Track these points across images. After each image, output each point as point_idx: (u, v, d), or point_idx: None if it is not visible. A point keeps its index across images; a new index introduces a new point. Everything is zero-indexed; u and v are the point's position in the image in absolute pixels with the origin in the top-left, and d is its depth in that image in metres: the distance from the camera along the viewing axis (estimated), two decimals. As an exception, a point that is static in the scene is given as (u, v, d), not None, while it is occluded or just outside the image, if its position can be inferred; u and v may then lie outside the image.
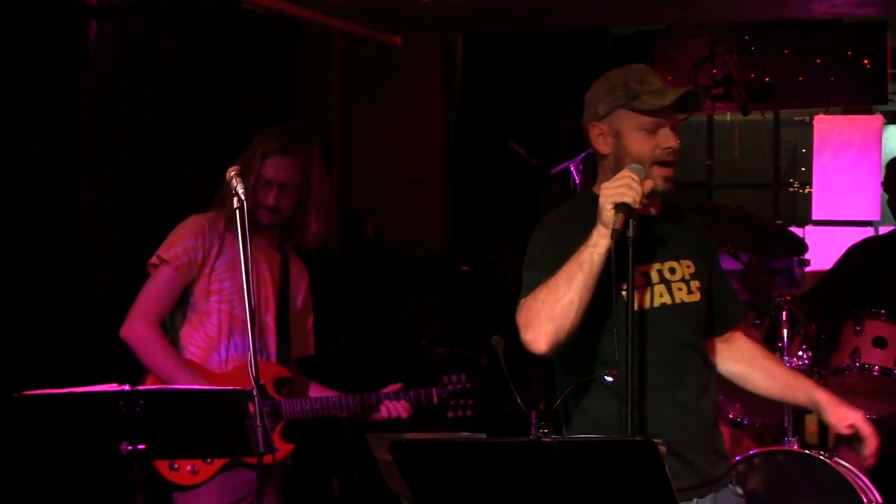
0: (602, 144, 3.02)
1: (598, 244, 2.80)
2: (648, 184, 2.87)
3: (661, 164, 2.95)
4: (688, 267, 3.07)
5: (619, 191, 2.78)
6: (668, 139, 2.95)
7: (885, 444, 5.13)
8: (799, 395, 3.28)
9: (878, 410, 4.97)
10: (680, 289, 3.05)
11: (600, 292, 2.84)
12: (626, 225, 2.77)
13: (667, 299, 3.02)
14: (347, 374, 5.94)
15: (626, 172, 2.83)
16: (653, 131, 2.95)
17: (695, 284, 3.07)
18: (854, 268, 5.32)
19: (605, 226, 2.79)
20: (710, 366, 3.18)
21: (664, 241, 3.06)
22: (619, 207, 2.77)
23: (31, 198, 4.93)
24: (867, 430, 3.17)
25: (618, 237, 2.76)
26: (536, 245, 3.04)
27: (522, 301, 2.93)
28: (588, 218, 2.89)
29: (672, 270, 3.06)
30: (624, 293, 2.89)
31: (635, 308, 2.90)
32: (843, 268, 5.39)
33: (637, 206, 2.79)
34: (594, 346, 2.97)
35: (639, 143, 2.95)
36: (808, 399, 3.25)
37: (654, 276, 3.03)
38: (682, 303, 3.04)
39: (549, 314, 2.83)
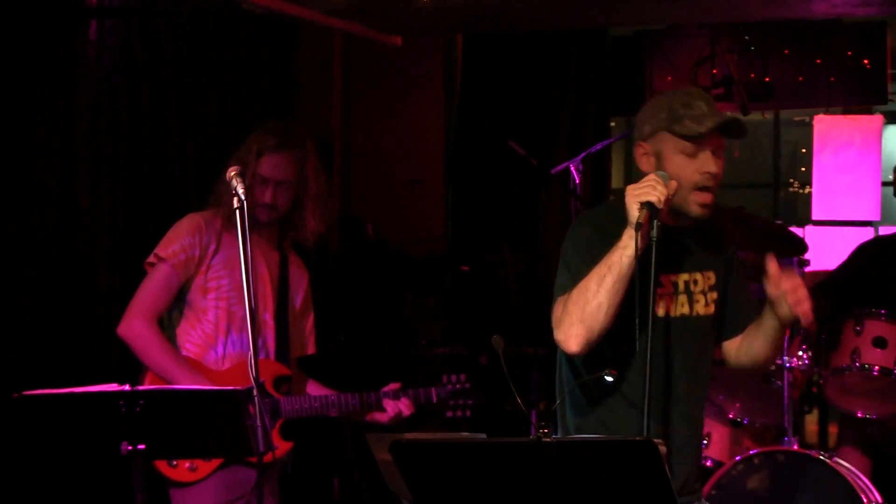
0: (645, 163, 3.07)
1: (628, 246, 2.83)
2: (673, 184, 2.91)
3: (700, 189, 2.98)
4: (708, 279, 3.13)
5: (643, 191, 2.84)
6: (707, 164, 2.98)
7: (885, 444, 5.17)
8: (770, 312, 3.10)
9: (878, 410, 4.96)
10: (698, 301, 3.11)
11: (627, 296, 2.87)
12: (650, 225, 2.81)
13: (686, 310, 3.09)
14: (347, 374, 5.94)
15: (651, 176, 2.90)
16: (693, 155, 2.98)
17: (711, 296, 3.13)
18: (861, 266, 5.31)
19: (633, 226, 2.82)
20: (708, 381, 3.24)
21: (691, 251, 3.11)
22: (645, 205, 2.82)
23: (31, 198, 4.94)
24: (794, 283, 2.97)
25: (641, 232, 2.78)
26: (578, 240, 3.06)
27: (557, 298, 2.97)
28: (624, 221, 2.93)
29: (695, 282, 3.11)
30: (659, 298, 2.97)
31: (661, 314, 2.99)
32: (850, 266, 5.37)
33: (661, 205, 2.83)
34: (615, 349, 2.99)
35: (678, 165, 2.98)
36: (773, 302, 3.06)
37: (680, 286, 3.09)
38: (699, 315, 3.11)
39: (579, 316, 2.87)
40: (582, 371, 3.08)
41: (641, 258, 2.81)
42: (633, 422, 2.97)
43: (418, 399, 4.10)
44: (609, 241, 2.93)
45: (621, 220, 2.92)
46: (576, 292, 2.89)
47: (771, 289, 2.99)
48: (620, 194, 2.98)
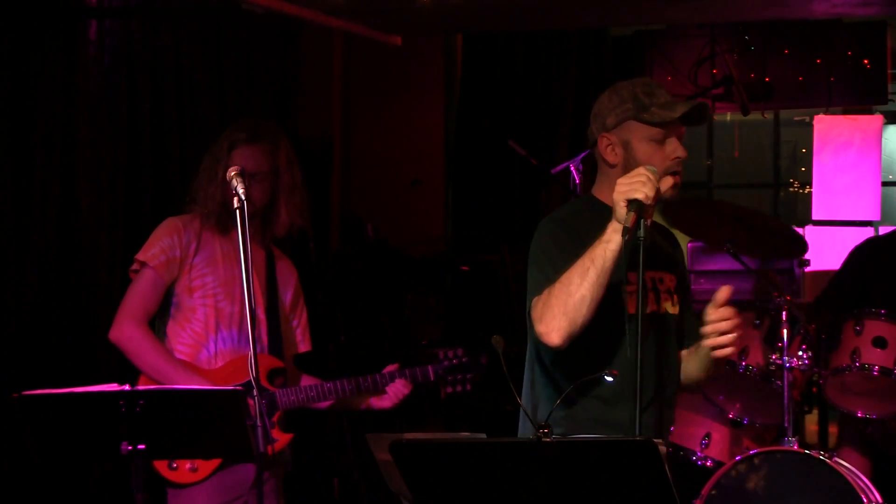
0: (611, 155, 3.07)
1: (612, 240, 2.82)
2: (667, 181, 2.90)
3: (671, 173, 3.01)
4: (672, 280, 3.14)
5: (633, 186, 2.81)
6: (676, 149, 3.03)
7: (886, 444, 5.17)
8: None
9: (878, 410, 4.96)
10: (666, 300, 3.11)
11: (606, 293, 2.86)
12: (637, 225, 2.78)
13: (655, 307, 3.08)
14: (347, 374, 5.94)
15: (640, 170, 2.86)
16: (661, 142, 3.02)
17: (676, 297, 3.15)
18: (858, 268, 5.31)
19: (619, 221, 2.81)
20: (678, 378, 3.21)
21: (655, 250, 3.08)
22: (632, 205, 2.79)
23: (31, 198, 4.94)
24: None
25: (628, 236, 2.77)
26: (547, 240, 3.06)
27: (534, 296, 2.95)
28: (595, 219, 2.93)
29: (661, 280, 3.10)
30: (629, 296, 2.91)
31: (630, 311, 2.91)
32: (847, 270, 5.38)
33: (650, 202, 2.81)
34: (591, 347, 2.96)
35: (648, 153, 3.01)
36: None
37: (648, 283, 3.06)
38: (667, 313, 3.11)
39: (562, 309, 2.85)
40: (551, 371, 3.06)
41: (626, 257, 2.80)
42: (602, 419, 2.97)
43: (415, 377, 4.11)
44: (580, 236, 2.93)
45: (588, 220, 2.96)
46: (558, 286, 2.86)
47: (706, 317, 2.99)
48: (581, 199, 3.01)
